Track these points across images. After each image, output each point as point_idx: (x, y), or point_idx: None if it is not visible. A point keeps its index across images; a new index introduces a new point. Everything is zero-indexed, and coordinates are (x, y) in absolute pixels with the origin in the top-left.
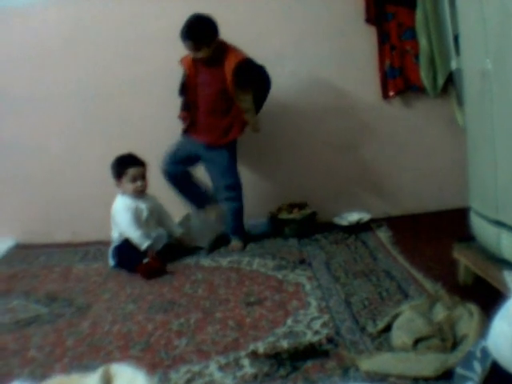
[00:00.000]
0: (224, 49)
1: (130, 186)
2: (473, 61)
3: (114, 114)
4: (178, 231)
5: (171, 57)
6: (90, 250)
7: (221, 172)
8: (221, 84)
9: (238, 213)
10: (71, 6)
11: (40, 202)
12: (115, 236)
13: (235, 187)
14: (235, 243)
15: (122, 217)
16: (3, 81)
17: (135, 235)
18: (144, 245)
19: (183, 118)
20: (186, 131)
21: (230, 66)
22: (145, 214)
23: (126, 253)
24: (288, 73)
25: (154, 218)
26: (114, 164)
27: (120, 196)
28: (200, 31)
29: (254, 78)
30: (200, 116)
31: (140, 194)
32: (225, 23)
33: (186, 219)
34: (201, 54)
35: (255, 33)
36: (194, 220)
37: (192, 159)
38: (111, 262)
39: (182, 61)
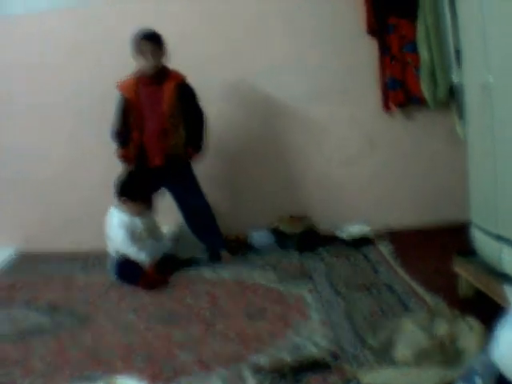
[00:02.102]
0: (166, 69)
1: (130, 208)
2: (474, 74)
3: None
4: (166, 246)
5: (174, 64)
6: (90, 259)
7: (186, 192)
8: (163, 103)
9: (217, 227)
10: (73, 14)
11: (41, 211)
12: (112, 252)
13: (204, 205)
14: (226, 255)
15: (116, 233)
16: (5, 87)
17: (131, 251)
18: (142, 258)
19: (125, 156)
20: (136, 162)
21: (170, 84)
22: (139, 229)
23: (126, 266)
24: (289, 85)
25: (149, 231)
26: (121, 184)
27: (115, 210)
28: (160, 36)
29: (191, 101)
30: (149, 138)
31: (139, 214)
32: (227, 35)
33: (179, 229)
34: (157, 62)
35: (257, 45)
36: (187, 231)
37: (154, 187)
38: (111, 275)
39: (120, 86)
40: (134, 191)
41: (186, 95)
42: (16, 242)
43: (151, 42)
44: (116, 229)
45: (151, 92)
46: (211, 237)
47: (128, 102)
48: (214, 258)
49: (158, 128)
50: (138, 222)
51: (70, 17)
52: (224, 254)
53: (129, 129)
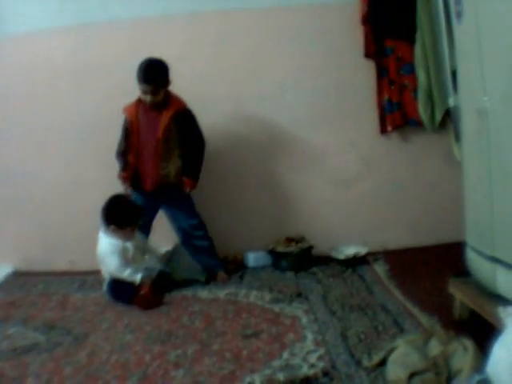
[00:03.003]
0: (167, 96)
1: (119, 235)
2: (470, 98)
3: (114, 143)
4: (156, 268)
5: (174, 87)
6: (87, 278)
7: (182, 214)
8: (159, 130)
9: (213, 248)
10: (73, 35)
11: (38, 230)
12: (106, 276)
13: (200, 225)
14: (222, 275)
15: (109, 260)
16: (4, 108)
17: (126, 274)
18: (137, 279)
19: (124, 178)
20: (131, 185)
21: (169, 112)
22: (131, 252)
23: (120, 288)
24: (288, 108)
25: (141, 252)
26: (106, 212)
27: (104, 236)
28: (160, 74)
29: (189, 129)
30: (143, 163)
31: (129, 239)
32: (227, 59)
33: (175, 250)
34: (157, 98)
35: (255, 66)
36: (183, 253)
37: (151, 212)
38: (107, 297)
39: (126, 110)
40: (122, 219)
41: (184, 122)
42: (14, 261)
43: (147, 85)
44: (108, 256)
45: (150, 118)
46: (207, 257)
47: (130, 125)
48: (211, 279)
49: (152, 154)
50: (129, 245)
51: (69, 38)
52: (220, 274)
53: (129, 150)
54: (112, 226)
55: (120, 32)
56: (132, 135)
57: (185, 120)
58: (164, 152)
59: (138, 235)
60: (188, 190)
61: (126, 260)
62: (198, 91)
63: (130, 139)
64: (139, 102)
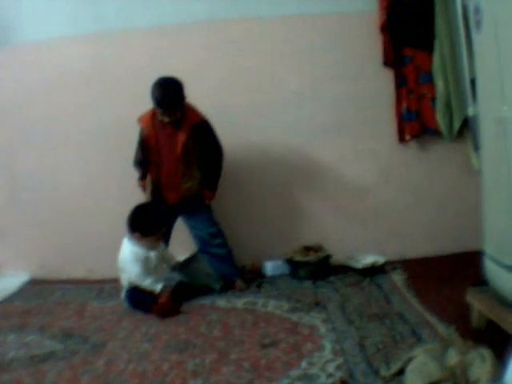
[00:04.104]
0: (184, 109)
1: (143, 243)
2: (489, 107)
3: (133, 151)
4: (175, 278)
5: (191, 95)
6: (105, 287)
7: (201, 222)
8: (178, 147)
9: (231, 256)
10: (91, 43)
11: (56, 238)
12: (125, 283)
13: (218, 234)
14: (240, 284)
15: (131, 268)
16: (22, 116)
17: (146, 283)
18: (157, 288)
19: (143, 187)
20: (153, 197)
21: (185, 127)
22: (154, 262)
23: (139, 296)
24: (306, 117)
25: (163, 262)
26: (131, 220)
27: (128, 242)
28: (175, 97)
29: (207, 141)
30: (164, 178)
31: (153, 248)
32: (244, 66)
33: (192, 257)
34: (174, 117)
35: (273, 75)
36: (201, 260)
37: (170, 221)
38: (125, 304)
39: (142, 121)
40: (147, 226)
41: (201, 134)
42: (31, 269)
43: (164, 110)
44: (130, 263)
45: (167, 134)
46: (225, 265)
47: (146, 138)
48: (228, 287)
49: (173, 169)
50: (152, 255)
51: (87, 46)
52: (238, 282)
53: (148, 161)
54: (137, 234)
55: (138, 40)
56: (150, 150)
57: (202, 132)
58: (184, 167)
59: (161, 246)
60: (208, 201)
61: (147, 269)
62: (215, 99)
63: (147, 152)
64: (154, 114)
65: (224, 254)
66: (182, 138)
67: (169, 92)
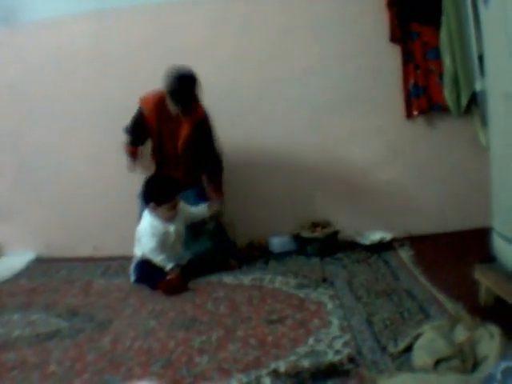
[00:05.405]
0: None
1: (162, 214)
2: (497, 82)
3: None
4: (186, 257)
5: (196, 71)
6: (111, 264)
7: (199, 197)
8: (179, 139)
9: (225, 235)
10: (96, 21)
11: (62, 216)
12: (138, 254)
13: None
14: (233, 263)
15: (147, 241)
16: (28, 96)
17: (158, 259)
18: (168, 267)
19: (131, 153)
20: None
21: (189, 123)
22: (172, 238)
23: (148, 269)
24: (313, 93)
25: (181, 240)
26: (144, 191)
27: (148, 215)
28: (193, 96)
29: (206, 141)
30: (166, 167)
31: (171, 218)
32: (251, 41)
33: None
34: (186, 112)
35: (283, 51)
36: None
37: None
38: (132, 276)
39: (143, 101)
40: (159, 194)
41: (202, 130)
42: (37, 248)
43: (180, 104)
44: (148, 236)
45: (171, 124)
46: (221, 244)
47: (147, 120)
48: (223, 265)
49: (173, 164)
50: (172, 231)
51: (92, 24)
52: (232, 261)
53: (140, 136)
54: (151, 204)
55: (143, 17)
56: (151, 135)
57: (203, 130)
58: (184, 162)
59: (181, 223)
60: (214, 209)
61: (163, 246)
62: (223, 76)
63: (143, 129)
64: (161, 100)
65: (219, 231)
66: (184, 132)
67: (188, 88)
